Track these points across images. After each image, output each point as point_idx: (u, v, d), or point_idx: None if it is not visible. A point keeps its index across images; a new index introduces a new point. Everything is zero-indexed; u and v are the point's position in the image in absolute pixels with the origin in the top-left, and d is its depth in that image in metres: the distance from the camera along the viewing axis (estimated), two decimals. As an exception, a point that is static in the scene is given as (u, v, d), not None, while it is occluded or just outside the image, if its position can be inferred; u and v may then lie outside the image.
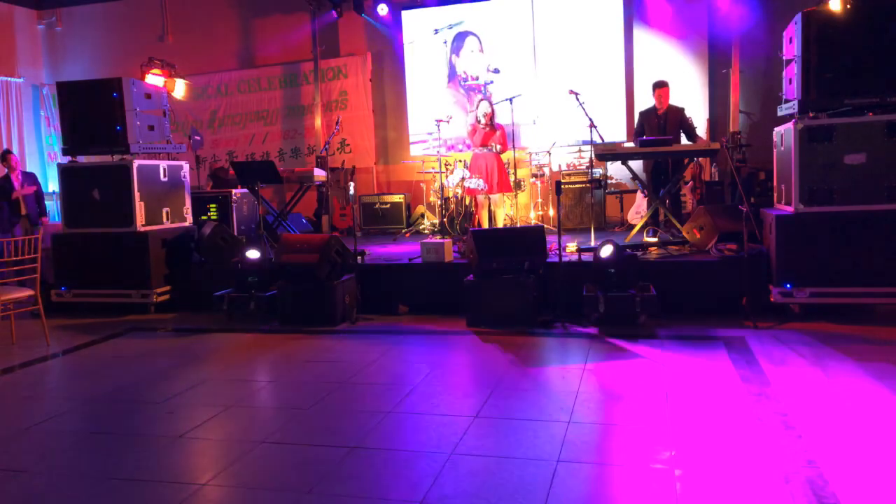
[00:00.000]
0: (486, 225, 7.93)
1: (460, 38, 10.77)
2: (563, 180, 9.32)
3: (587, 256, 6.11)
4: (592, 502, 2.81)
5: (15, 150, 11.22)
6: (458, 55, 10.79)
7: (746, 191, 7.46)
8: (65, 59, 12.66)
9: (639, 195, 8.87)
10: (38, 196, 9.04)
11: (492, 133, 7.79)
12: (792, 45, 5.72)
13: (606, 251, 5.70)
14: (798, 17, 5.58)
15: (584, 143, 8.88)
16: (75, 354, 5.61)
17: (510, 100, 8.33)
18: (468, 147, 8.40)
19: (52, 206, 11.20)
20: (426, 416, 3.84)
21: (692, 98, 9.52)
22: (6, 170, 8.88)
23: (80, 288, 7.19)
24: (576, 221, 9.32)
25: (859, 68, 5.44)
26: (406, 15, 10.90)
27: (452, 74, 10.84)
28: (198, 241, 7.30)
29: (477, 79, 10.72)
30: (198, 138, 10.01)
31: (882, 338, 5.09)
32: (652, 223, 7.52)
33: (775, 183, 6.28)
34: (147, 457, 3.44)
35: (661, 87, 7.62)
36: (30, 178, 9.04)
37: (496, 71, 10.54)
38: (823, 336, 5.12)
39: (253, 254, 6.55)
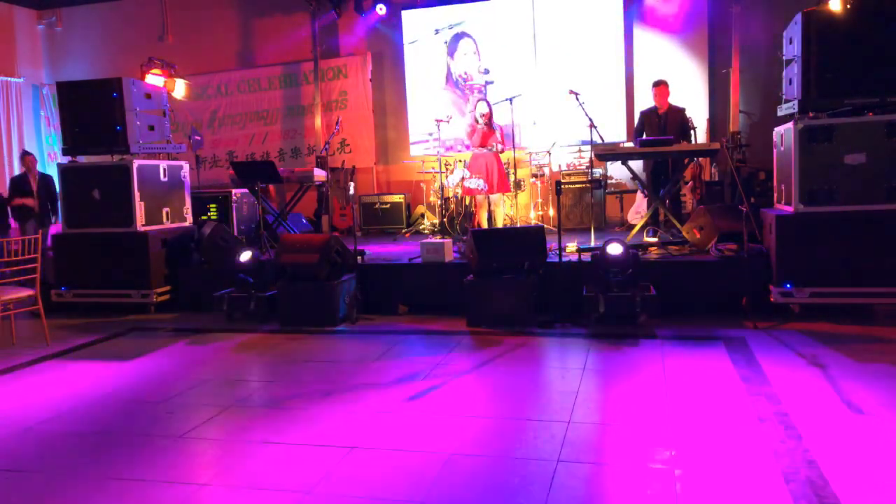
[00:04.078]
0: (485, 225, 7.93)
1: (455, 40, 10.77)
2: (563, 180, 9.32)
3: (587, 256, 6.11)
4: (592, 502, 2.81)
5: (15, 150, 11.23)
6: (452, 57, 10.80)
7: (746, 191, 7.46)
8: (65, 59, 12.66)
9: (639, 195, 8.87)
10: (52, 198, 9.02)
11: (490, 133, 7.79)
12: (792, 45, 5.73)
13: (615, 249, 5.69)
14: (798, 17, 5.58)
15: (584, 143, 8.88)
16: (75, 354, 5.61)
17: (510, 100, 8.32)
18: (468, 147, 8.40)
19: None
20: (426, 416, 3.84)
21: (692, 98, 9.51)
22: (24, 169, 8.92)
23: (81, 288, 7.19)
24: (576, 221, 9.32)
25: (859, 68, 5.44)
26: (406, 15, 10.90)
27: (449, 76, 10.84)
28: (198, 241, 7.30)
29: (472, 79, 10.71)
30: (198, 138, 10.00)
31: (882, 338, 5.09)
32: (652, 223, 7.52)
33: (775, 183, 6.28)
34: (147, 457, 3.44)
35: (657, 85, 7.64)
36: (46, 179, 9.04)
37: (486, 71, 10.52)
38: (823, 336, 5.12)
39: (245, 256, 6.56)
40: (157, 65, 8.63)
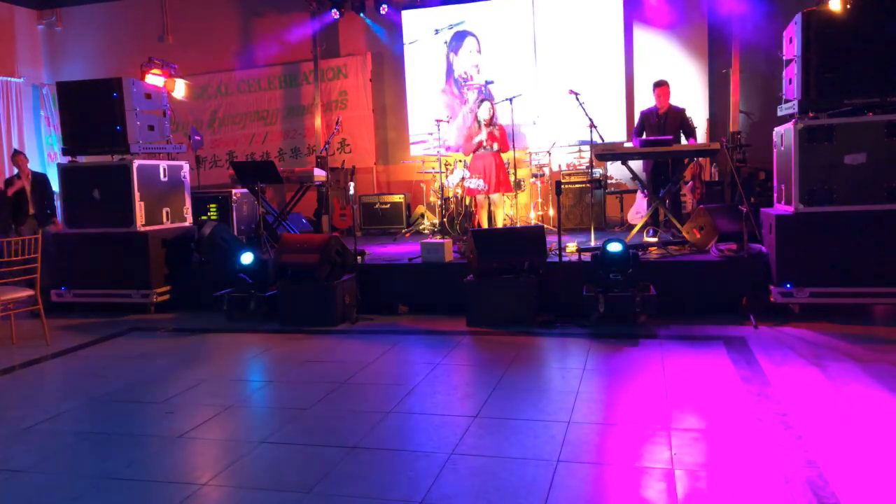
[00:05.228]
0: (485, 225, 7.93)
1: (459, 38, 10.76)
2: (563, 180, 9.32)
3: (587, 256, 6.11)
4: (592, 502, 2.81)
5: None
6: (456, 54, 10.79)
7: (746, 191, 7.46)
8: (65, 59, 12.65)
9: (639, 195, 8.87)
10: (47, 196, 8.99)
11: (485, 134, 7.76)
12: (792, 45, 5.72)
13: (615, 249, 5.69)
14: (798, 17, 5.58)
15: (584, 143, 8.88)
16: (75, 354, 5.61)
17: (510, 100, 8.32)
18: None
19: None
20: (426, 416, 3.84)
21: (692, 98, 9.51)
22: (16, 169, 8.90)
23: (80, 288, 7.19)
24: (576, 221, 9.31)
25: (859, 68, 5.44)
26: (406, 15, 10.89)
27: (450, 75, 10.84)
28: (198, 241, 7.30)
29: (471, 79, 10.71)
30: (198, 138, 10.00)
31: (882, 338, 5.09)
32: (652, 223, 7.52)
33: (775, 183, 6.28)
34: (147, 457, 3.44)
35: (659, 86, 7.64)
36: (40, 178, 9.02)
37: (490, 82, 10.42)
38: (823, 336, 5.12)
39: (246, 258, 6.55)
40: (157, 65, 8.62)
